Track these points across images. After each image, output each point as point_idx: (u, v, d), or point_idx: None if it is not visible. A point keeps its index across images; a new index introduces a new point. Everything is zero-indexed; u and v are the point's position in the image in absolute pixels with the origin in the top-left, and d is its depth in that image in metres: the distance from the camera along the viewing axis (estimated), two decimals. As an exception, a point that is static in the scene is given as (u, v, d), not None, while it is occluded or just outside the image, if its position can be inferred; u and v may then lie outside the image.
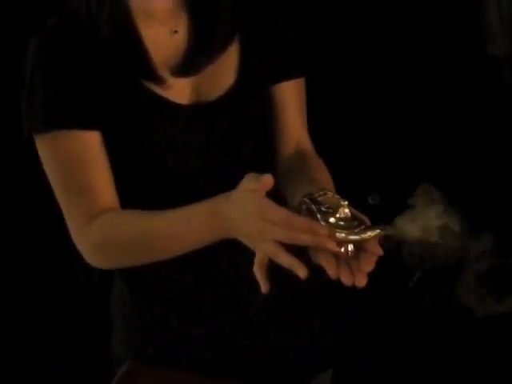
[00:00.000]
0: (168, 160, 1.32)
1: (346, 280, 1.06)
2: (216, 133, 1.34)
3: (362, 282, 1.07)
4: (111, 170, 1.33)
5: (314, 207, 1.10)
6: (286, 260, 1.07)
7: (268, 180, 1.11)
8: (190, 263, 1.33)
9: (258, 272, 1.11)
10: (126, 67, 1.33)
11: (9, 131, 1.67)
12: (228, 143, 1.36)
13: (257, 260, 1.11)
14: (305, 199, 1.12)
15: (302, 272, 1.06)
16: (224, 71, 1.37)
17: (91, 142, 1.31)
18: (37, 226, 2.22)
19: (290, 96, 1.43)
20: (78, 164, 1.30)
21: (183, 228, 1.22)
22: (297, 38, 1.43)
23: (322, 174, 1.36)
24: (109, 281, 1.47)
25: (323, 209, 1.09)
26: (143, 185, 1.34)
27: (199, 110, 1.34)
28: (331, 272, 1.07)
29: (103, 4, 1.30)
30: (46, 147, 1.32)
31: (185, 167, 1.33)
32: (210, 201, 1.19)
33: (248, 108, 1.37)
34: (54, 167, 1.32)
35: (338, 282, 1.07)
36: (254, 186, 1.11)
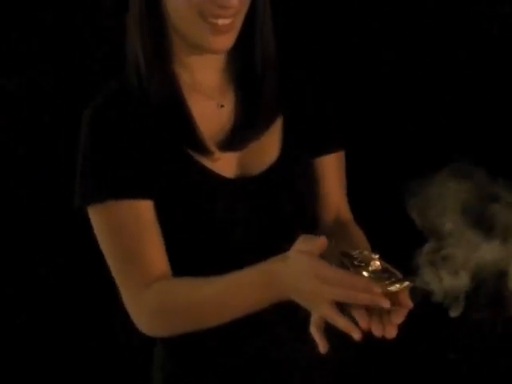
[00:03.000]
0: (214, 229, 1.34)
1: (377, 332, 1.10)
2: (260, 205, 1.36)
3: (391, 333, 1.10)
4: (162, 237, 1.34)
5: (346, 261, 1.14)
6: (342, 323, 1.10)
7: (322, 242, 1.14)
8: (229, 331, 1.34)
9: (316, 333, 1.13)
10: (175, 138, 1.35)
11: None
12: (272, 215, 1.37)
13: (313, 321, 1.13)
14: (339, 254, 1.15)
15: (356, 334, 1.09)
16: (268, 146, 1.40)
17: (143, 211, 1.33)
18: (78, 295, 2.23)
19: (331, 169, 1.47)
20: (131, 233, 1.32)
21: (235, 294, 1.24)
22: (336, 112, 1.47)
23: (361, 243, 1.39)
24: (149, 344, 1.49)
25: (356, 263, 1.13)
26: (191, 251, 1.35)
27: (244, 183, 1.37)
28: (363, 324, 1.10)
29: (153, 78, 1.34)
30: (98, 216, 1.34)
31: (230, 236, 1.35)
32: (264, 264, 1.21)
33: (291, 182, 1.39)
34: (106, 236, 1.34)
35: (369, 334, 1.11)
36: (309, 247, 1.14)
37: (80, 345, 2.26)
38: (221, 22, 1.28)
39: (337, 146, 1.48)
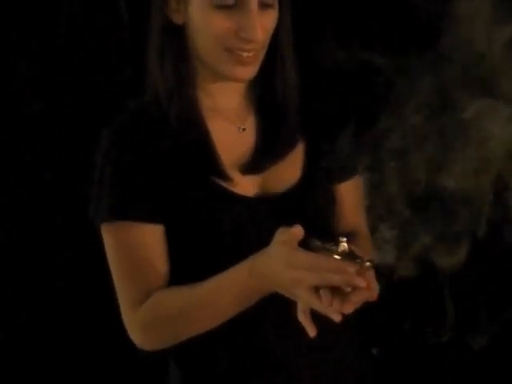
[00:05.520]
0: (233, 247, 1.34)
1: (336, 307, 1.14)
2: (280, 224, 1.31)
3: (349, 309, 1.14)
4: (172, 254, 1.36)
5: (318, 244, 1.18)
6: (321, 306, 1.14)
7: (297, 231, 1.18)
8: (238, 346, 1.37)
9: (303, 318, 1.17)
10: (194, 161, 1.35)
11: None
12: None
13: (299, 307, 1.18)
14: (311, 239, 1.19)
15: (336, 316, 1.14)
16: (290, 168, 1.41)
17: (153, 234, 1.34)
18: (78, 296, 2.24)
19: (349, 194, 1.48)
20: (138, 253, 1.34)
21: (221, 293, 1.28)
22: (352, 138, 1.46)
23: (366, 246, 1.39)
24: (165, 364, 1.49)
25: (327, 246, 1.18)
26: (209, 268, 1.33)
27: (264, 202, 1.37)
28: (326, 301, 1.14)
29: (173, 100, 1.35)
30: (109, 234, 1.36)
31: (249, 254, 1.31)
32: (246, 261, 1.25)
33: (311, 203, 1.40)
34: (114, 253, 1.36)
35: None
36: (285, 238, 1.19)
37: (80, 345, 2.28)
38: (245, 54, 1.31)
39: (355, 172, 1.49)
